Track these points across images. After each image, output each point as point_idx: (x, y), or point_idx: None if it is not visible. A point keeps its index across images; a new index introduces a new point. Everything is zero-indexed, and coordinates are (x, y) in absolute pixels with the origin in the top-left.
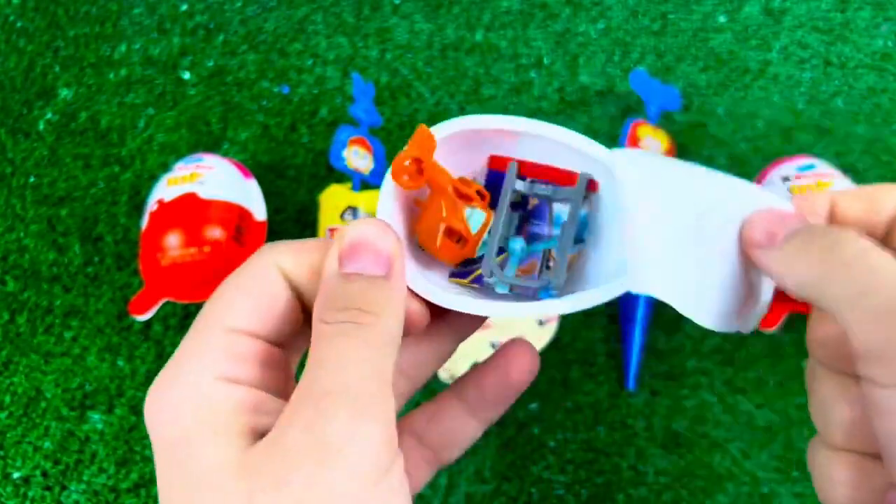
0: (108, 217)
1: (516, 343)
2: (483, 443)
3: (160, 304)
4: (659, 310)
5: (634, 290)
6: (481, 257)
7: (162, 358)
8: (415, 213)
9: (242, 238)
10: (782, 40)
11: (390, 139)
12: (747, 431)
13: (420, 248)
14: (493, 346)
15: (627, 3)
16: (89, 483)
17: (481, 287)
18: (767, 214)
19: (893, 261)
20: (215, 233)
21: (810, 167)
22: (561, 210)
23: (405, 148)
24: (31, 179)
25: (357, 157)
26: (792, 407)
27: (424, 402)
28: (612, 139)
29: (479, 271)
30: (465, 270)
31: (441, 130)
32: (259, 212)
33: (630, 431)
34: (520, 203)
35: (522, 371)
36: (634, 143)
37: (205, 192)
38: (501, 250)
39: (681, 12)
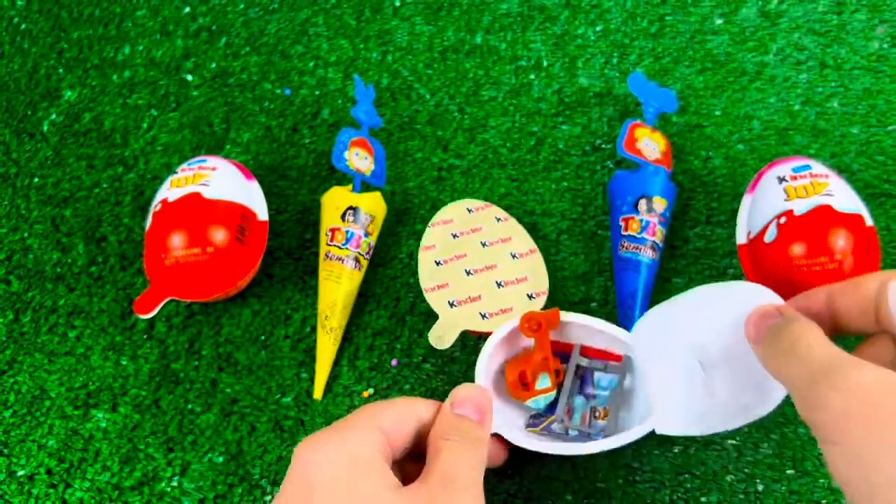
0: (112, 217)
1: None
2: None
3: (164, 303)
4: None
5: (660, 431)
6: (547, 413)
7: (166, 357)
8: (510, 358)
9: (245, 238)
10: (779, 42)
11: (391, 140)
12: (742, 429)
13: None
14: (482, 315)
15: (625, 5)
16: (93, 481)
17: (548, 434)
18: (756, 312)
19: (819, 340)
20: (218, 233)
21: (806, 168)
22: (600, 377)
23: (541, 311)
24: (36, 180)
25: (358, 159)
26: (787, 405)
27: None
28: (610, 140)
29: (547, 421)
30: (536, 422)
31: (565, 316)
32: (261, 212)
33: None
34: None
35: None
36: (632, 144)
37: (208, 193)
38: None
39: (678, 15)
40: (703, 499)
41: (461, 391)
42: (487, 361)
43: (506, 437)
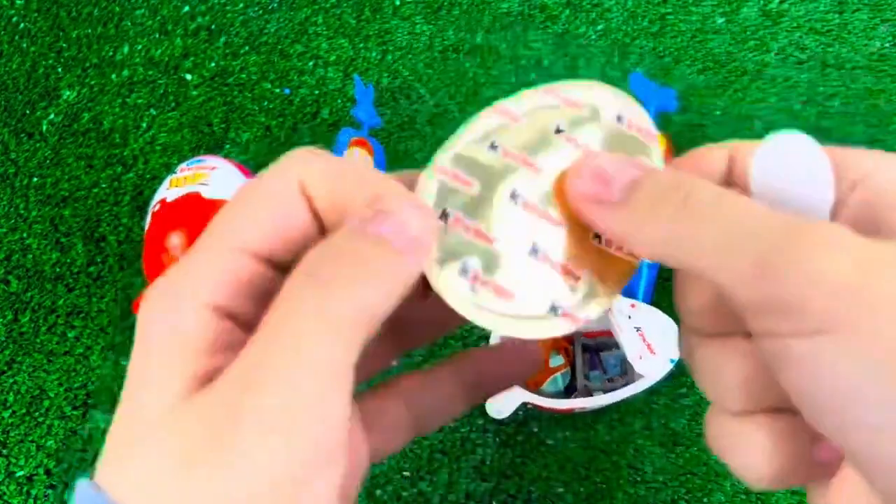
0: (111, 217)
1: (524, 343)
2: (483, 440)
3: None
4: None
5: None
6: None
7: None
8: None
9: None
10: (780, 42)
11: (391, 140)
12: None
13: None
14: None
15: (626, 4)
16: None
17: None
18: (592, 158)
19: (752, 203)
20: None
21: None
22: (607, 357)
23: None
24: (35, 180)
25: (358, 159)
26: None
27: (419, 370)
28: None
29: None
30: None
31: None
32: None
33: (628, 430)
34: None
35: (525, 370)
36: None
37: (207, 193)
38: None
39: (679, 14)
40: (704, 499)
41: (390, 197)
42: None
43: (537, 402)
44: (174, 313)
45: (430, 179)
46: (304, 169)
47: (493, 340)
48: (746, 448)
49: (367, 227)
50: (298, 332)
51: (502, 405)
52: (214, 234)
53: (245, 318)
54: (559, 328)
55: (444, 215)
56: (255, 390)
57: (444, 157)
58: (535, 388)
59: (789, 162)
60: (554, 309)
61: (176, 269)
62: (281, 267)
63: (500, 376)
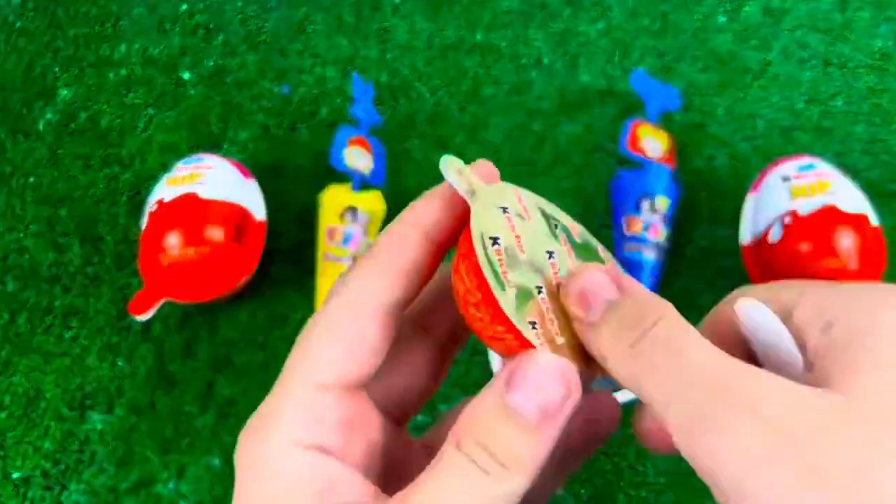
0: (108, 217)
1: (604, 395)
2: None
3: (160, 303)
4: None
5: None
6: None
7: (162, 358)
8: None
9: (242, 238)
10: (782, 40)
11: (390, 139)
12: None
13: None
14: None
15: (627, 3)
16: (89, 483)
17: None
18: (585, 272)
19: (701, 348)
20: (215, 233)
21: (810, 167)
22: None
23: None
24: (31, 179)
25: (357, 158)
26: None
27: None
28: (612, 139)
29: None
30: None
31: None
32: (259, 212)
33: (630, 431)
34: None
35: (611, 422)
36: (634, 142)
37: (205, 193)
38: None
39: (681, 12)
40: (707, 501)
41: (531, 361)
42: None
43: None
44: (276, 462)
45: (504, 292)
46: (372, 282)
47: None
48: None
49: (508, 399)
50: (443, 492)
51: None
52: (293, 371)
53: (336, 451)
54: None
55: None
56: None
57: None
58: None
59: (763, 321)
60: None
61: (263, 413)
62: (359, 381)
63: (587, 431)
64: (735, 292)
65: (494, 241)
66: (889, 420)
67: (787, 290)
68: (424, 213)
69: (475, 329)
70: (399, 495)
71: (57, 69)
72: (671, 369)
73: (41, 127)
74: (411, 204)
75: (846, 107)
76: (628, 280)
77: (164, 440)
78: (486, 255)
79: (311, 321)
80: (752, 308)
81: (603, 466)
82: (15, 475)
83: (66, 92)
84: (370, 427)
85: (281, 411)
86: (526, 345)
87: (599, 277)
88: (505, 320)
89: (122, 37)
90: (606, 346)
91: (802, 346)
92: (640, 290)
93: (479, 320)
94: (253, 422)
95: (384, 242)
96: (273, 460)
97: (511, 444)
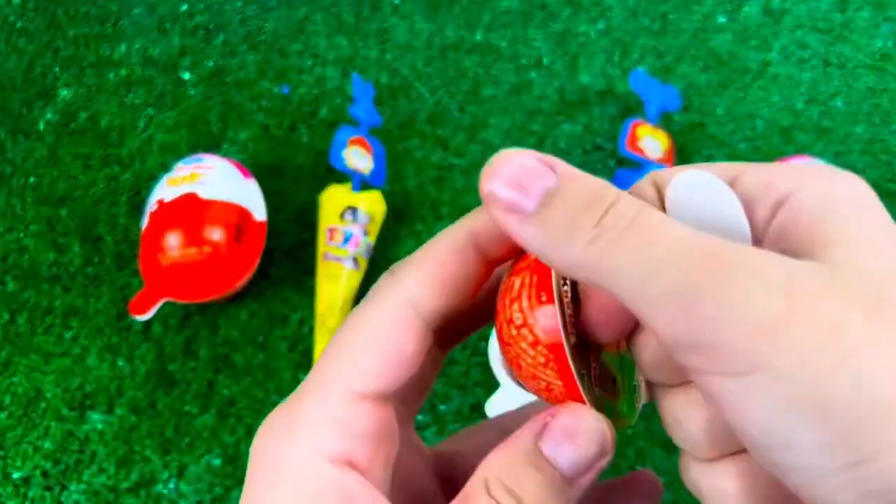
0: (108, 217)
1: (645, 473)
2: None
3: (160, 304)
4: None
5: None
6: None
7: (162, 358)
8: None
9: (242, 238)
10: (782, 40)
11: (390, 139)
12: None
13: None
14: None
15: (627, 3)
16: (89, 483)
17: None
18: (507, 156)
19: (675, 224)
20: (215, 233)
21: None
22: None
23: None
24: (31, 179)
25: (357, 158)
26: None
27: None
28: (611, 139)
29: None
30: None
31: None
32: (259, 212)
33: (630, 431)
34: None
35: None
36: (634, 142)
37: (205, 193)
38: None
39: (680, 12)
40: None
41: (568, 415)
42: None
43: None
44: (301, 475)
45: (567, 342)
46: (410, 289)
47: (491, 409)
48: (719, 496)
49: (543, 447)
50: None
51: (501, 406)
52: (327, 373)
53: (361, 466)
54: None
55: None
56: None
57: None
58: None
59: (700, 199)
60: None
61: (290, 417)
62: (395, 395)
63: None
64: (648, 176)
65: (565, 281)
66: (886, 286)
67: (722, 168)
68: (481, 222)
69: (515, 363)
70: None
71: (57, 69)
72: (649, 245)
73: (41, 127)
74: (474, 210)
75: (846, 107)
76: (563, 164)
77: (164, 440)
78: (560, 297)
79: (349, 322)
80: (694, 177)
81: None
82: (15, 475)
83: (66, 92)
84: (393, 439)
85: (311, 415)
86: (575, 397)
87: (528, 160)
88: (566, 373)
89: (122, 37)
90: (555, 237)
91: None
92: (580, 173)
93: (530, 359)
94: (277, 419)
95: (441, 248)
96: (297, 467)
97: (540, 496)
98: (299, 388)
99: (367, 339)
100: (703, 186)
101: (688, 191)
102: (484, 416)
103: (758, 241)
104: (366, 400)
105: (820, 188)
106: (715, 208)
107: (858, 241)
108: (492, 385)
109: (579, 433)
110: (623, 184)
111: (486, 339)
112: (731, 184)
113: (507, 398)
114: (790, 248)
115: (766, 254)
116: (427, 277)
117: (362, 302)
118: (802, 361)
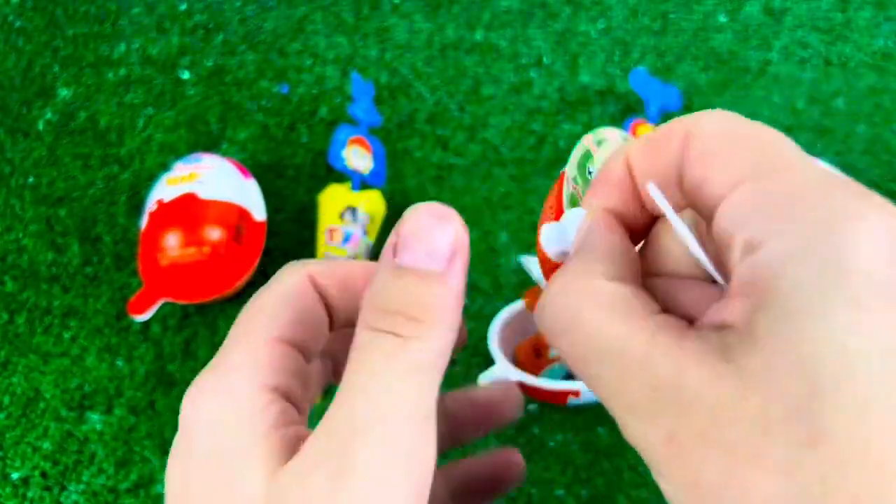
0: (107, 217)
1: (510, 453)
2: (483, 443)
3: (159, 304)
4: None
5: None
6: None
7: (161, 358)
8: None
9: (242, 238)
10: (783, 40)
11: (390, 139)
12: None
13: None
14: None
15: (628, 2)
16: (88, 484)
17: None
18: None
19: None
20: (214, 233)
21: None
22: None
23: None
24: (30, 179)
25: (356, 157)
26: None
27: None
28: None
29: None
30: None
31: None
32: (258, 212)
33: None
34: None
35: (512, 482)
36: None
37: (204, 192)
38: None
39: (681, 12)
40: None
41: (408, 217)
42: (498, 340)
43: (529, 382)
44: (234, 399)
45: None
46: (310, 267)
47: (484, 380)
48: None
49: (400, 261)
50: (387, 384)
51: (493, 380)
52: (248, 328)
53: (292, 397)
54: None
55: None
56: (359, 443)
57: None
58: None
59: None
60: None
61: (220, 361)
62: (303, 351)
63: (487, 484)
64: (617, 151)
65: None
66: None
67: (719, 170)
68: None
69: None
70: (335, 408)
71: (56, 68)
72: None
73: (40, 126)
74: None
75: (847, 106)
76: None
77: (163, 440)
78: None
79: (258, 295)
80: (658, 202)
81: (603, 467)
82: (14, 476)
83: (65, 91)
84: (316, 388)
85: (237, 362)
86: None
87: (424, 219)
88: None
89: (121, 36)
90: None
91: (725, 267)
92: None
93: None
94: (207, 379)
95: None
96: (229, 404)
97: (415, 297)
98: (220, 351)
99: (277, 299)
100: (659, 203)
101: (661, 207)
102: None
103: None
104: (286, 344)
105: (796, 244)
106: (685, 239)
107: (798, 344)
108: None
109: (419, 230)
110: None
111: (485, 338)
112: (712, 209)
113: (500, 374)
114: (740, 321)
115: (665, 351)
116: (322, 262)
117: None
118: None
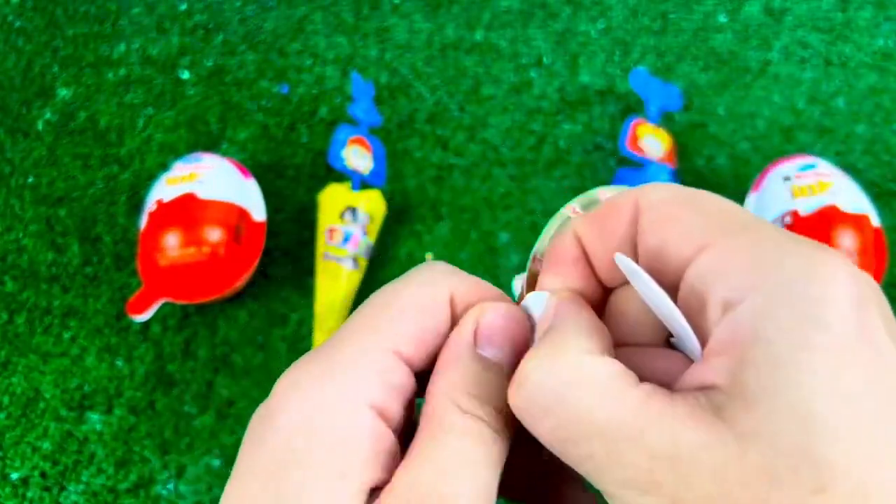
0: (107, 217)
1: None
2: None
3: (159, 304)
4: None
5: None
6: None
7: (161, 358)
8: None
9: (241, 238)
10: (783, 40)
11: (390, 139)
12: None
13: None
14: None
15: (628, 2)
16: (88, 484)
17: None
18: (485, 315)
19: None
20: (214, 233)
21: (811, 167)
22: None
23: None
24: (30, 179)
25: (356, 157)
26: None
27: None
28: (612, 139)
29: None
30: None
31: None
32: (258, 212)
33: None
34: None
35: None
36: (634, 142)
37: (204, 192)
38: None
39: (681, 12)
40: None
41: (491, 313)
42: None
43: None
44: (339, 415)
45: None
46: (455, 282)
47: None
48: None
49: (477, 349)
50: (457, 457)
51: None
52: (373, 329)
53: (394, 423)
54: None
55: None
56: None
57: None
58: None
59: (640, 288)
60: None
61: (329, 363)
62: (417, 373)
63: None
64: (564, 232)
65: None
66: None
67: (679, 235)
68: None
69: None
70: (407, 473)
71: (56, 69)
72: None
73: (40, 126)
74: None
75: (847, 106)
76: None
77: (163, 441)
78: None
79: (382, 293)
80: (628, 271)
81: None
82: (14, 476)
83: (65, 91)
84: (412, 410)
85: (354, 361)
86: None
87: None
88: None
89: (121, 36)
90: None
91: (699, 329)
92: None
93: None
94: (312, 364)
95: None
96: (338, 409)
97: (501, 392)
98: (327, 342)
99: (410, 308)
100: (630, 272)
101: (630, 276)
102: None
103: (704, 342)
104: (403, 362)
105: (774, 300)
106: (660, 304)
107: (787, 402)
108: None
109: (502, 323)
110: (624, 183)
111: None
112: (682, 265)
113: None
114: (722, 382)
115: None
116: (468, 281)
117: (397, 280)
118: None
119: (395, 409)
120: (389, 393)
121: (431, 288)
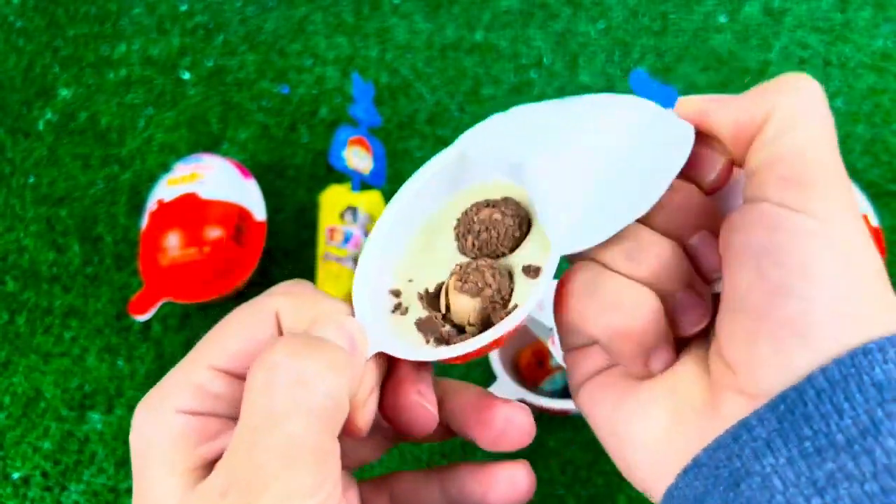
0: (108, 217)
1: (515, 466)
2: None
3: (160, 304)
4: None
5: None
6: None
7: (162, 358)
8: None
9: (242, 238)
10: (782, 40)
11: (390, 139)
12: None
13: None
14: None
15: (628, 3)
16: (89, 483)
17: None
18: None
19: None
20: (215, 233)
21: None
22: None
23: None
24: (31, 179)
25: (357, 157)
26: None
27: (412, 471)
28: None
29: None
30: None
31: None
32: (258, 212)
33: None
34: None
35: (511, 498)
36: None
37: (204, 192)
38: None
39: (681, 12)
40: None
41: (328, 309)
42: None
43: (532, 401)
44: (159, 420)
45: None
46: (281, 301)
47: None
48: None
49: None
50: (282, 425)
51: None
52: (195, 353)
53: (222, 416)
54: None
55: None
56: (256, 490)
57: None
58: (533, 385)
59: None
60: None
61: (158, 384)
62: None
63: (482, 498)
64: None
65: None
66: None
67: (691, 103)
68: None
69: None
70: (225, 455)
71: (56, 69)
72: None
73: (41, 126)
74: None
75: (846, 106)
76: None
77: None
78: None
79: (225, 317)
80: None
81: (603, 467)
82: (14, 475)
83: (65, 91)
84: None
85: (169, 384)
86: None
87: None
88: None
89: (121, 36)
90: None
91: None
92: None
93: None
94: (151, 393)
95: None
96: (150, 424)
97: (322, 352)
98: (171, 370)
99: (230, 328)
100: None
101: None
102: None
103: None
104: (224, 373)
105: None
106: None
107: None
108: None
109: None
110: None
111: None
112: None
113: (501, 391)
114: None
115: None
116: (291, 300)
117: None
118: None
119: (213, 405)
120: (205, 398)
121: (254, 307)
